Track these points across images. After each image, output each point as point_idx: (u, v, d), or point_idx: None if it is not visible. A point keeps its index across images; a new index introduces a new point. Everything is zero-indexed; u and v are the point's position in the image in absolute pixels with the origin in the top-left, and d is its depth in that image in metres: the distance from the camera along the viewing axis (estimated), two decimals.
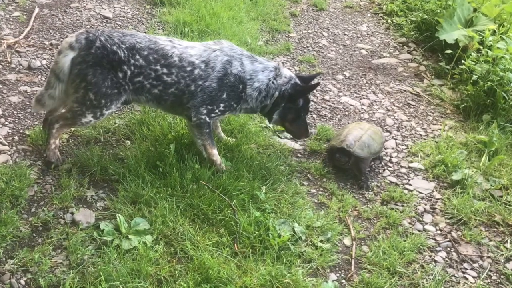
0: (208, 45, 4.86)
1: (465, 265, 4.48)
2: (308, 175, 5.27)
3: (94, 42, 4.46)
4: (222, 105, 4.73)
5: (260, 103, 4.92)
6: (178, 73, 4.63)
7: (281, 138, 5.69)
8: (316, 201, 4.94)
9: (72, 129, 5.14)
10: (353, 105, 6.61)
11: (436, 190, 5.26)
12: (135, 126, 5.35)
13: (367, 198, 5.08)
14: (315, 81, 5.19)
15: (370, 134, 5.38)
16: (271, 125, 5.58)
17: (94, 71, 4.44)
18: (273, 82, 4.84)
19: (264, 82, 4.83)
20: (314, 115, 6.26)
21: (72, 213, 4.32)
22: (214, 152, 4.87)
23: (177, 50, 4.67)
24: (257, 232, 4.27)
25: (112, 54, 4.48)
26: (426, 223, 4.86)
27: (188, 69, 4.64)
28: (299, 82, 4.94)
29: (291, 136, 5.60)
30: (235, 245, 4.20)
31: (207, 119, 4.73)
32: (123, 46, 4.53)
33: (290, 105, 4.93)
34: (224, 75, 4.68)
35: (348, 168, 5.31)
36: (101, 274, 3.71)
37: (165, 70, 4.61)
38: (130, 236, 4.10)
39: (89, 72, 4.43)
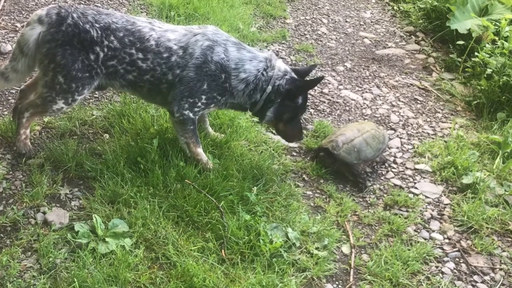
0: (191, 29, 4.81)
1: (476, 277, 4.50)
2: (304, 176, 5.28)
3: (65, 19, 4.44)
4: (204, 97, 4.68)
5: (249, 98, 4.84)
6: (154, 59, 4.60)
7: (274, 134, 5.68)
8: (312, 204, 4.96)
9: (45, 119, 5.14)
10: (354, 100, 6.63)
11: (445, 195, 5.29)
12: (115, 119, 5.34)
13: (369, 202, 5.10)
14: (315, 74, 5.13)
15: (366, 137, 5.34)
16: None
17: (64, 51, 4.42)
18: (262, 74, 4.76)
19: (252, 73, 4.74)
20: (312, 110, 6.27)
21: (44, 213, 4.32)
22: (199, 151, 4.87)
23: (156, 33, 4.63)
24: (246, 237, 4.28)
25: (84, 33, 4.45)
26: (433, 231, 4.89)
27: (165, 55, 4.60)
28: (296, 76, 4.88)
29: None
30: (222, 251, 4.21)
31: (191, 114, 4.71)
32: (97, 25, 4.50)
33: (288, 102, 4.86)
34: (203, 62, 4.62)
35: (336, 170, 5.32)
36: (75, 280, 3.70)
37: (140, 55, 4.58)
38: (107, 239, 4.09)
39: (58, 52, 4.42)
